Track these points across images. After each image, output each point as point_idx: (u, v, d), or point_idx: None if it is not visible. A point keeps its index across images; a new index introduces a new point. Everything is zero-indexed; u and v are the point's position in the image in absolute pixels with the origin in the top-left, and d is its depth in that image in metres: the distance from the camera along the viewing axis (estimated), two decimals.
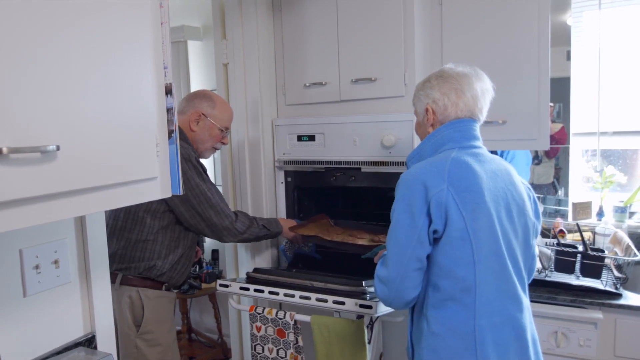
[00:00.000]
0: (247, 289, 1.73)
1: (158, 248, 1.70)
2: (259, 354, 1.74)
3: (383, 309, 1.52)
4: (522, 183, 1.35)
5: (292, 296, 1.63)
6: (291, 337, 1.67)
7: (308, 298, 1.61)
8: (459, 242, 1.18)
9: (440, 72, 1.37)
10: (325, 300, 1.57)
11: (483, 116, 1.35)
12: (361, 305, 1.53)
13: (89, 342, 1.15)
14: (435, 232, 1.19)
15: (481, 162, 1.26)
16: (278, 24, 2.12)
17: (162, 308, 1.72)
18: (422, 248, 1.19)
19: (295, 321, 1.67)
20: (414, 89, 1.42)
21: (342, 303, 1.55)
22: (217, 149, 1.85)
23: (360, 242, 1.70)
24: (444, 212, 1.17)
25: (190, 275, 2.14)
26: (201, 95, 1.80)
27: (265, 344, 1.73)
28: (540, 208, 1.54)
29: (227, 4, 2.09)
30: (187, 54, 3.01)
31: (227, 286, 1.77)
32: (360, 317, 1.60)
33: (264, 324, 1.73)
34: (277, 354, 1.72)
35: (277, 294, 1.66)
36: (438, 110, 1.34)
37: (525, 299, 1.26)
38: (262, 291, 1.70)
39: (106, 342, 1.20)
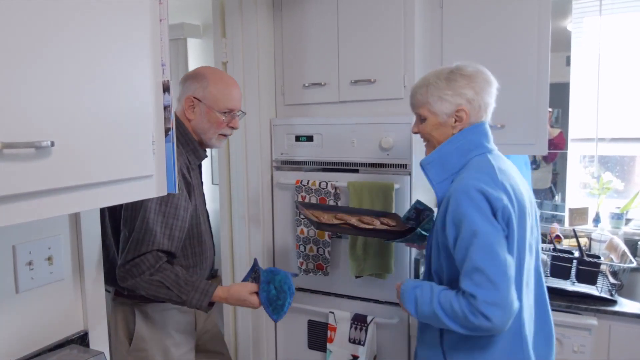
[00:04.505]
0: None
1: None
2: (302, 218, 1.99)
3: None
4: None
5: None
6: (331, 203, 1.94)
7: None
8: (512, 252, 1.15)
9: (460, 69, 1.27)
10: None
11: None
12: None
13: (82, 339, 1.15)
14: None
15: (508, 167, 1.26)
16: (278, 24, 2.12)
17: (160, 324, 1.49)
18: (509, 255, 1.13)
19: (335, 188, 1.93)
20: (423, 88, 1.30)
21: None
22: (227, 135, 1.54)
23: (381, 227, 1.58)
24: (506, 222, 1.14)
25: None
26: (192, 75, 1.51)
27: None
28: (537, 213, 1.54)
29: (227, 2, 2.08)
30: (186, 52, 3.00)
31: None
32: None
33: (308, 194, 1.96)
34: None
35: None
36: (472, 112, 1.25)
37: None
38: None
39: (99, 339, 1.20)
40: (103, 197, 0.82)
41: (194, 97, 1.47)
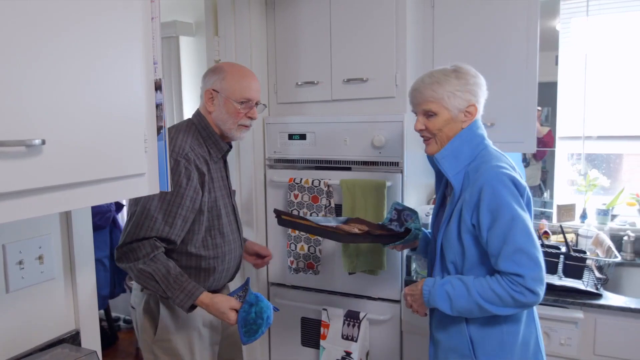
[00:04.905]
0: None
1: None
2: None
3: None
4: None
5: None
6: (324, 201, 1.93)
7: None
8: None
9: (463, 68, 1.33)
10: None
11: None
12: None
13: (73, 338, 1.15)
14: None
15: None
16: (271, 23, 2.12)
17: (186, 316, 1.49)
18: None
19: (328, 186, 1.93)
20: (434, 84, 1.31)
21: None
22: (247, 126, 1.56)
23: (380, 232, 1.56)
24: (527, 206, 1.26)
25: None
26: (212, 70, 1.57)
27: (301, 209, 1.98)
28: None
29: (220, 1, 2.08)
30: (178, 50, 2.99)
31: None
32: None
33: (301, 192, 1.95)
34: (311, 215, 1.96)
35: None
36: (479, 109, 1.34)
37: None
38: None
39: (91, 338, 1.20)
40: (95, 196, 0.82)
41: (213, 90, 1.52)
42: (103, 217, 3.03)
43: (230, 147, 1.60)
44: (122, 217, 3.58)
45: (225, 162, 1.62)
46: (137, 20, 0.86)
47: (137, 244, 1.38)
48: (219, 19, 2.10)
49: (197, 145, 1.50)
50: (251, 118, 1.54)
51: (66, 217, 1.13)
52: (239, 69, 1.57)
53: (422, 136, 1.38)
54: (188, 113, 3.16)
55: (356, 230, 1.54)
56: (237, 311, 1.38)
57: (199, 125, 1.53)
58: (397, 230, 1.55)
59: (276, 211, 1.64)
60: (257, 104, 1.56)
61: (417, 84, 1.36)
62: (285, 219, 1.61)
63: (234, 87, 1.50)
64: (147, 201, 1.38)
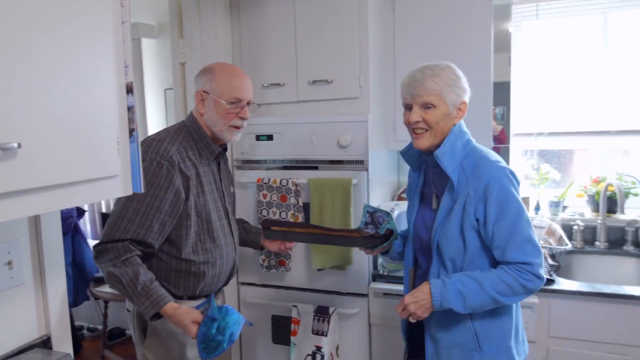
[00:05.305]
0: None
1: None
2: (264, 216, 2.01)
3: None
4: None
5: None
6: (292, 200, 1.97)
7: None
8: None
9: (457, 68, 1.37)
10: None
11: None
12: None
13: (44, 343, 1.14)
14: None
15: None
16: (236, 25, 2.14)
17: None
18: None
19: (296, 185, 1.96)
20: (436, 77, 1.32)
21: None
22: (238, 127, 1.52)
23: (366, 234, 1.54)
24: None
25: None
26: (202, 71, 1.54)
27: (270, 208, 2.01)
28: None
29: (184, 3, 2.08)
30: (140, 52, 2.96)
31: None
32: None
33: (270, 192, 2.00)
34: (280, 215, 2.01)
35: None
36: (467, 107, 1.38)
37: None
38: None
39: (62, 343, 1.19)
40: (68, 198, 0.83)
41: (203, 91, 1.50)
42: (64, 223, 2.95)
43: (225, 149, 1.58)
44: (84, 224, 3.49)
45: (219, 164, 1.59)
46: (108, 25, 0.88)
47: (111, 245, 1.36)
48: (184, 22, 2.10)
49: (187, 148, 1.48)
50: (242, 118, 1.51)
51: (35, 222, 1.12)
52: (228, 68, 1.54)
53: (415, 129, 1.36)
54: (151, 116, 3.13)
55: (356, 235, 1.52)
56: (199, 324, 1.33)
57: (190, 127, 1.52)
58: (367, 229, 1.54)
59: (265, 222, 1.60)
60: (248, 103, 1.53)
61: (416, 75, 1.35)
62: (275, 230, 1.56)
63: (223, 88, 1.48)
64: (127, 202, 1.37)
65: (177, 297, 1.46)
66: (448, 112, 1.33)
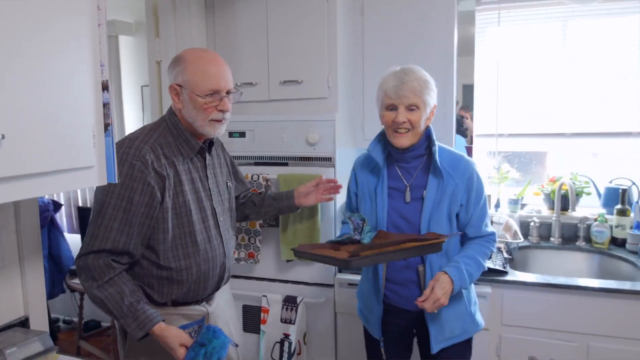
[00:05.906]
0: None
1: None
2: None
3: None
4: None
5: None
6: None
7: None
8: None
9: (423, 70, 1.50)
10: None
11: None
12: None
13: (22, 324, 1.20)
14: None
15: None
16: (211, 25, 2.22)
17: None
18: None
19: (267, 180, 2.06)
20: (421, 80, 1.43)
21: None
22: (219, 121, 1.38)
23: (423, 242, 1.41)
24: None
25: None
26: (172, 61, 1.39)
27: None
28: None
29: (160, 3, 2.14)
30: (118, 49, 3.00)
31: None
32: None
33: None
34: None
35: None
36: None
37: None
38: None
39: (39, 324, 1.26)
40: (48, 186, 0.91)
41: (176, 84, 1.36)
42: (41, 216, 2.95)
43: (208, 144, 1.47)
44: (60, 217, 3.51)
45: (205, 160, 1.47)
46: (86, 27, 0.96)
47: (92, 261, 1.28)
48: (160, 21, 2.16)
49: (164, 145, 1.36)
50: (223, 111, 1.36)
51: (14, 209, 1.19)
52: (201, 54, 1.37)
53: (399, 129, 1.44)
54: (128, 112, 3.17)
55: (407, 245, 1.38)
56: (187, 348, 1.29)
57: (169, 122, 1.40)
58: (356, 237, 1.51)
59: (299, 250, 1.48)
60: (228, 92, 1.38)
61: (402, 77, 1.41)
62: (365, 255, 1.34)
63: (196, 79, 1.32)
64: (102, 209, 1.28)
65: (160, 305, 1.40)
66: (425, 114, 1.46)
